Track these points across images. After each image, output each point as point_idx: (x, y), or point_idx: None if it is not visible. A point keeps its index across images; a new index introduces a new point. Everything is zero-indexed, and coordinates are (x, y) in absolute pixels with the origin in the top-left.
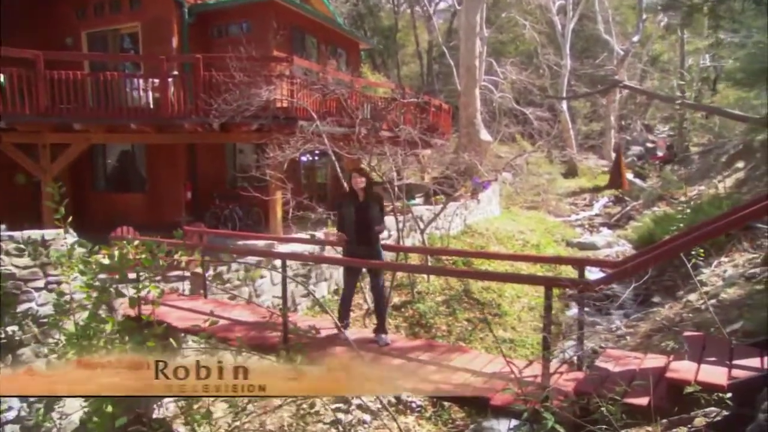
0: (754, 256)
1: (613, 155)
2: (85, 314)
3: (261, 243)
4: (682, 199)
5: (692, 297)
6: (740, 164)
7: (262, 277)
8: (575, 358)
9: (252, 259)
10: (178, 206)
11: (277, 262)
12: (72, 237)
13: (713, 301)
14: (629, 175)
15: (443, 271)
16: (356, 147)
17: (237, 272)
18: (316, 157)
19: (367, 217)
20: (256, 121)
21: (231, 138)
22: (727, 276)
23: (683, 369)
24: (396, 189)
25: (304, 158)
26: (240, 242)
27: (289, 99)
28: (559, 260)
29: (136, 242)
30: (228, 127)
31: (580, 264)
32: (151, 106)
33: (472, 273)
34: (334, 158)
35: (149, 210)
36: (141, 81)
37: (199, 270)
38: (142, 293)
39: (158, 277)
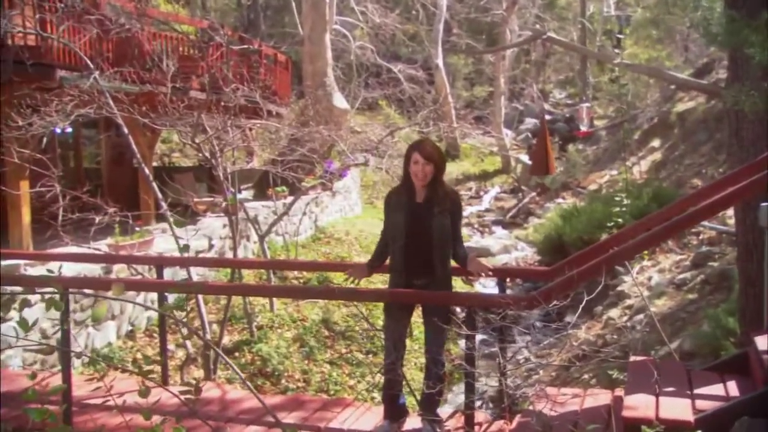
0: (682, 257)
1: (502, 132)
2: None
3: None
4: (592, 187)
5: (613, 313)
6: (656, 143)
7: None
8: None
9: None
10: None
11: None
12: None
13: (640, 316)
14: (523, 157)
15: (351, 294)
16: (168, 113)
17: None
18: (80, 129)
19: (428, 229)
20: None
21: None
22: (654, 284)
23: (641, 405)
24: (228, 178)
25: (57, 130)
26: None
27: (41, 33)
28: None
29: None
30: None
31: (501, 276)
32: None
33: (375, 293)
34: (126, 131)
35: None
36: None
37: None
38: None
39: None
